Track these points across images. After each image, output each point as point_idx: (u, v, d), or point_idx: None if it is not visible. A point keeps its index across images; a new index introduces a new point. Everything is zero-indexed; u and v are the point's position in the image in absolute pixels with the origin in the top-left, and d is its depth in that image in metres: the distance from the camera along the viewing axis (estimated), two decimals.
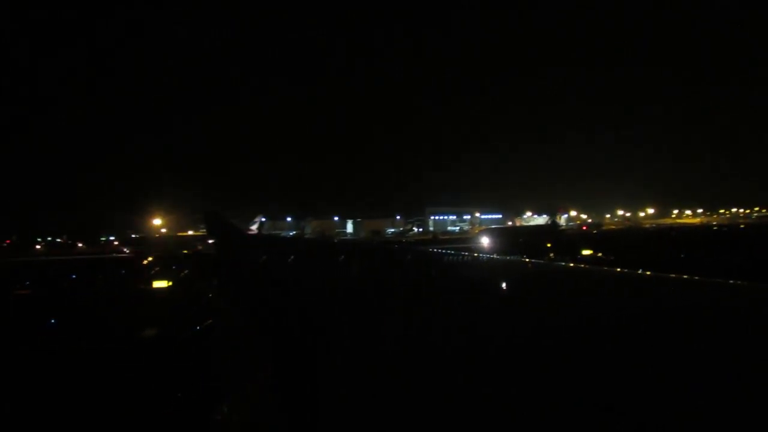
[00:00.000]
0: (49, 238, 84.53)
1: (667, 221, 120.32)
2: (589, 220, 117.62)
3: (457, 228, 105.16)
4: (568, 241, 44.72)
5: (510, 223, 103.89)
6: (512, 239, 43.67)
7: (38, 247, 76.59)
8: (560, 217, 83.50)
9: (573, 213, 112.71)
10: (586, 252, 41.01)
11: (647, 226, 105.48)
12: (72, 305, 19.54)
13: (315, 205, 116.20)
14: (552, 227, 64.42)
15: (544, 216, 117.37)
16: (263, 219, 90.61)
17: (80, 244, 72.63)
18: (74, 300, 20.96)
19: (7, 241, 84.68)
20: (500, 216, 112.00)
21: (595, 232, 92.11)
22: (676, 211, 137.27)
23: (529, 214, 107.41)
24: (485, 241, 43.30)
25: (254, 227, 59.40)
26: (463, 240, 59.36)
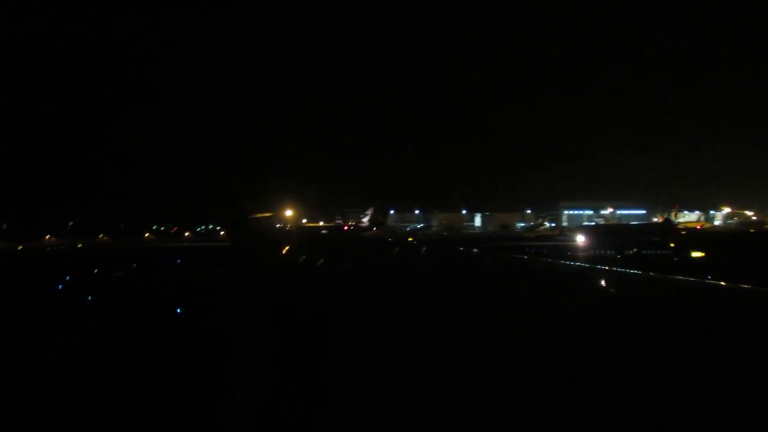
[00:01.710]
0: (210, 226, 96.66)
1: None
2: (754, 218, 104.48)
3: (593, 223, 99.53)
4: (678, 241, 40.72)
5: (655, 219, 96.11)
6: (613, 238, 40.72)
7: (187, 234, 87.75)
8: (675, 214, 75.10)
9: (727, 209, 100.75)
10: (696, 254, 37.12)
11: None
12: (129, 288, 22.13)
13: (445, 197, 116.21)
14: (665, 225, 58.52)
15: (696, 212, 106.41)
16: (392, 211, 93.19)
17: (222, 233, 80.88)
18: (137, 283, 23.75)
19: (174, 228, 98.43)
20: (644, 212, 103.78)
21: (752, 231, 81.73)
22: None
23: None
24: (581, 239, 40.86)
25: (365, 219, 61.50)
26: None
